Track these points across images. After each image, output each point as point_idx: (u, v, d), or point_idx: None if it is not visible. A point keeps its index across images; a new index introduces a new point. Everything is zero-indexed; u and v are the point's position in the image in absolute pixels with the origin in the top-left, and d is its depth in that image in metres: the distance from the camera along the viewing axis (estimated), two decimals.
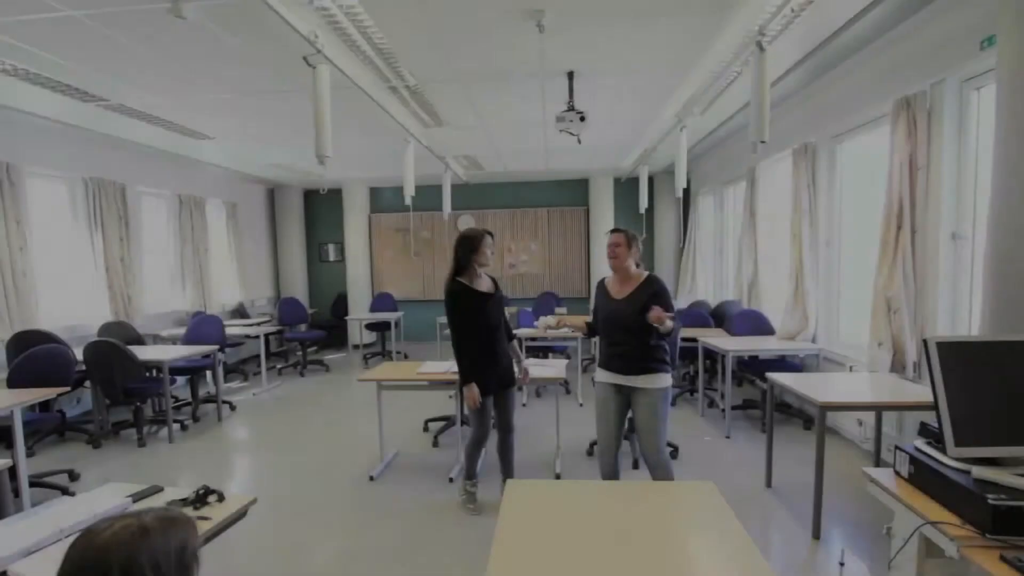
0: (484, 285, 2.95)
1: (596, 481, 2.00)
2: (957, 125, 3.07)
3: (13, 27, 2.89)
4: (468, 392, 2.84)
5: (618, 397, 2.69)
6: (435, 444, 4.15)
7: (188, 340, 5.25)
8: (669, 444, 3.86)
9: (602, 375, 2.75)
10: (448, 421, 4.49)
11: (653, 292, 2.58)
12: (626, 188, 8.52)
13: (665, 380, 2.63)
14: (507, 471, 3.16)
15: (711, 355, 4.98)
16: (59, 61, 3.36)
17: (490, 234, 2.93)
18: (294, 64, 3.40)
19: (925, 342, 1.62)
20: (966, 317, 3.09)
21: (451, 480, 3.48)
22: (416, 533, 2.85)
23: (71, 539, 0.84)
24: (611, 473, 2.75)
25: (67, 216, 5.29)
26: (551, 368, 3.68)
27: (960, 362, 1.60)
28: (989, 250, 2.25)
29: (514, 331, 3.32)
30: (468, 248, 2.87)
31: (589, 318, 2.99)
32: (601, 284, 2.82)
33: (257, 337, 6.18)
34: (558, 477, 3.49)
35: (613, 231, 2.75)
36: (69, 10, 2.70)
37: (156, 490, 1.81)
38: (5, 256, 4.41)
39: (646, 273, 2.70)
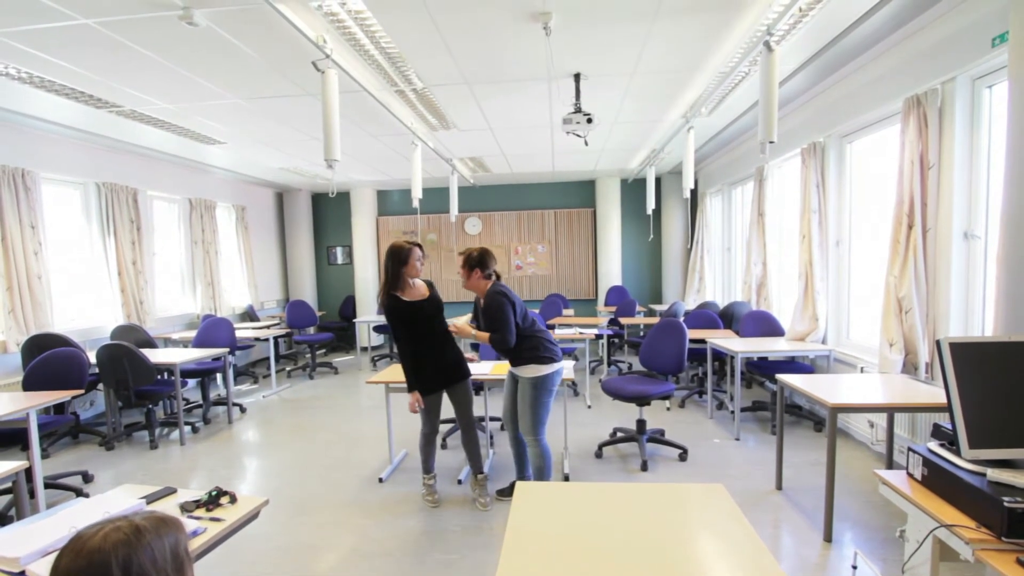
0: (416, 294, 3.09)
1: (605, 483, 2.00)
2: (969, 123, 3.04)
3: (29, 35, 2.94)
4: (411, 398, 3.04)
5: None
6: (443, 446, 4.16)
7: (199, 343, 5.30)
8: (678, 446, 3.86)
9: None
10: (455, 423, 4.48)
11: None
12: (633, 189, 8.51)
13: None
14: (475, 465, 3.23)
15: (720, 357, 4.95)
16: (73, 68, 3.41)
17: (418, 246, 3.09)
18: (303, 69, 3.44)
19: (938, 343, 1.61)
20: (979, 317, 3.06)
21: (460, 482, 3.49)
22: (426, 534, 2.86)
23: None
24: None
25: (80, 221, 5.36)
26: None
27: (974, 363, 1.58)
28: (1002, 249, 2.22)
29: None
30: (397, 262, 3.00)
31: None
32: None
33: (266, 340, 6.22)
34: (567, 479, 3.49)
35: None
36: (83, 18, 2.75)
37: (170, 491, 1.82)
38: (21, 260, 4.47)
39: None
